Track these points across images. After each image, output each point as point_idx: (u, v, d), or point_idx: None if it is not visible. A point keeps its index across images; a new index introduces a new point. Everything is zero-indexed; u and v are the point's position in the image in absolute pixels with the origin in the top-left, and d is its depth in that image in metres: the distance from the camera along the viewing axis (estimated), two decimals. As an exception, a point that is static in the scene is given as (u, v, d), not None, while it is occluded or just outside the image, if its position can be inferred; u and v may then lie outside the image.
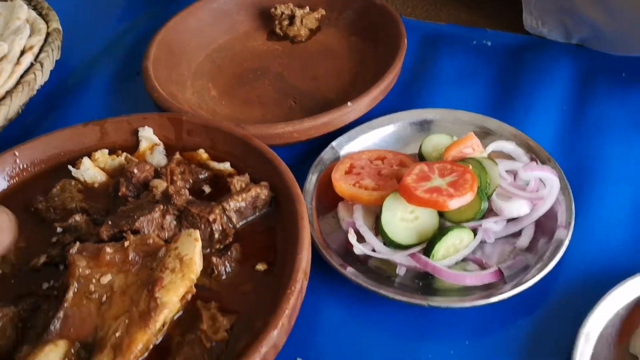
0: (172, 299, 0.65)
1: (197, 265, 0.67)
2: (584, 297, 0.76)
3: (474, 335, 0.77)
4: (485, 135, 0.94)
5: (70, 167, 0.86)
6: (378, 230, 0.83)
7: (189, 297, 0.70)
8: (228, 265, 0.75)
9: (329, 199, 0.89)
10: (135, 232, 0.73)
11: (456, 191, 0.80)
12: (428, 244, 0.80)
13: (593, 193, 0.91)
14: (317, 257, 0.80)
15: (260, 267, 0.75)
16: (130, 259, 0.68)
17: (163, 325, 0.68)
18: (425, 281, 0.80)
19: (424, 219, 0.82)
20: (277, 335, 0.65)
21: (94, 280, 0.67)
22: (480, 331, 0.77)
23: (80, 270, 0.67)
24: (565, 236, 0.81)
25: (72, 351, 0.65)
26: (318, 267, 0.82)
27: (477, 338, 0.76)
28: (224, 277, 0.74)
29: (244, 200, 0.79)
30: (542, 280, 0.77)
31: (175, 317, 0.70)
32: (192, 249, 0.67)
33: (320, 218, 0.87)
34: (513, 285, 0.76)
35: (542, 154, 0.90)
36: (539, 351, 0.75)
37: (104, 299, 0.67)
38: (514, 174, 0.88)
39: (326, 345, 0.77)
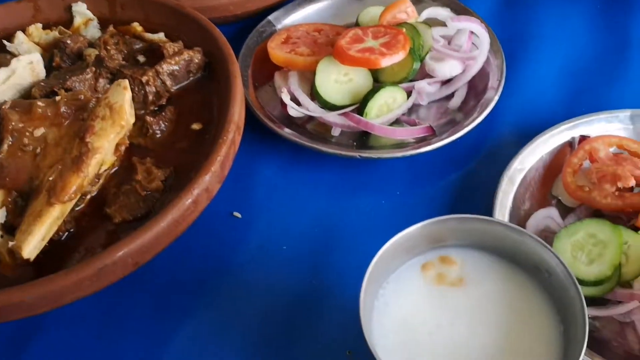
0: (103, 144, 0.66)
1: (128, 113, 0.68)
2: (510, 146, 0.79)
3: (405, 186, 0.80)
4: (420, 1, 0.94)
5: (4, 41, 0.85)
6: (314, 95, 0.84)
7: (123, 149, 0.72)
8: (162, 124, 0.76)
9: (265, 72, 0.90)
10: (68, 90, 0.74)
11: (388, 50, 0.82)
12: (361, 103, 0.82)
13: (525, 57, 0.93)
14: (254, 123, 0.82)
15: (196, 126, 0.77)
16: (62, 112, 0.69)
17: (98, 178, 0.70)
18: (360, 141, 0.83)
19: (358, 81, 0.83)
20: (209, 179, 0.67)
21: (27, 134, 0.68)
22: (410, 182, 0.80)
23: (13, 124, 0.68)
24: (494, 95, 0.83)
25: (10, 199, 0.66)
26: (255, 132, 0.83)
27: (408, 188, 0.79)
28: (158, 135, 0.76)
29: (177, 63, 0.79)
30: (471, 133, 0.80)
31: (111, 172, 0.72)
32: (122, 97, 0.67)
33: (258, 89, 0.88)
34: (442, 138, 0.79)
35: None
36: (467, 196, 0.78)
37: (38, 150, 0.68)
38: (448, 40, 0.89)
39: (263, 200, 0.79)
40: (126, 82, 0.69)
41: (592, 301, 0.66)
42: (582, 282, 0.64)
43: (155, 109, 0.78)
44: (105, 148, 0.66)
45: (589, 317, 0.64)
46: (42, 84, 0.75)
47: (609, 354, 0.62)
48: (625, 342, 0.64)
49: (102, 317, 0.70)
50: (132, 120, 0.71)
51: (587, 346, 0.61)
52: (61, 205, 0.64)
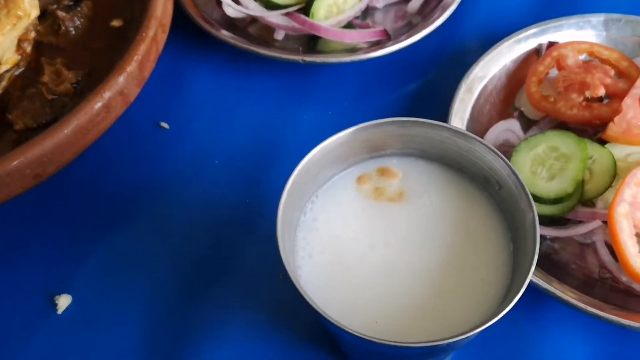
0: (-4, 37, 0.57)
1: (27, 2, 0.58)
2: (472, 54, 0.71)
3: (354, 95, 0.72)
4: None
5: None
6: (256, -6, 0.75)
7: (28, 48, 0.62)
8: (77, 20, 0.67)
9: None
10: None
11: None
12: (307, 2, 0.73)
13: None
14: (188, 24, 0.73)
15: (116, 23, 0.68)
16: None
17: (-1, 80, 0.61)
18: (307, 46, 0.74)
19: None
20: (123, 81, 0.58)
21: None
22: (361, 91, 0.72)
23: None
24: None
25: None
26: (189, 35, 0.74)
27: (357, 98, 0.72)
28: (72, 33, 0.66)
29: (95, -51, 0.69)
30: (430, 38, 0.71)
31: (16, 73, 0.63)
32: (19, -16, 0.58)
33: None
34: (397, 42, 0.71)
35: None
36: (423, 107, 0.71)
37: None
38: None
39: (194, 110, 0.71)
40: (26, -32, 0.60)
41: (551, 221, 0.60)
42: (541, 200, 0.58)
43: (70, 3, 0.69)
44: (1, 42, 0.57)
45: (547, 238, 0.59)
46: None
47: (567, 278, 0.56)
48: (585, 265, 0.58)
49: (5, 240, 0.62)
50: (35, 12, 0.61)
51: (544, 269, 0.56)
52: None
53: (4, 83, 0.62)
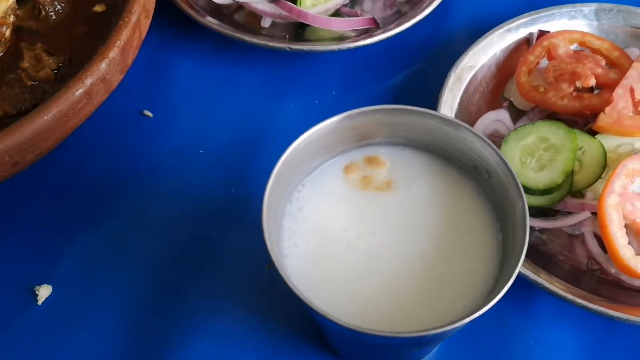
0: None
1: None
2: (462, 43, 0.70)
3: (342, 85, 0.71)
4: None
5: None
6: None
7: (7, 32, 0.61)
8: (58, 5, 0.65)
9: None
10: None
11: None
12: (294, -11, 0.72)
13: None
14: (172, 11, 0.71)
15: (98, 8, 0.66)
16: None
17: (-23, 67, 0.59)
18: (294, 34, 0.73)
19: (292, -37, 0.72)
20: (105, 68, 0.57)
21: None
22: (349, 80, 0.71)
23: None
24: (447, -15, 0.74)
25: None
26: (173, 22, 0.73)
27: (345, 87, 0.71)
28: (53, 18, 0.65)
29: None
30: (419, 26, 0.70)
31: (-7, 60, 0.61)
32: (-5, -35, 0.56)
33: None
34: (386, 30, 0.69)
35: None
36: (411, 97, 0.70)
37: None
38: None
39: (178, 98, 0.69)
40: (1, -53, 0.58)
41: (540, 212, 0.59)
42: (530, 191, 0.58)
43: (51, -13, 0.67)
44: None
45: (535, 230, 0.58)
46: None
47: (555, 269, 0.56)
48: (573, 257, 0.58)
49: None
50: (13, -6, 0.59)
51: (532, 261, 0.55)
52: None
53: (-18, 69, 0.60)
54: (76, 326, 0.55)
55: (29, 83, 0.59)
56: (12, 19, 0.62)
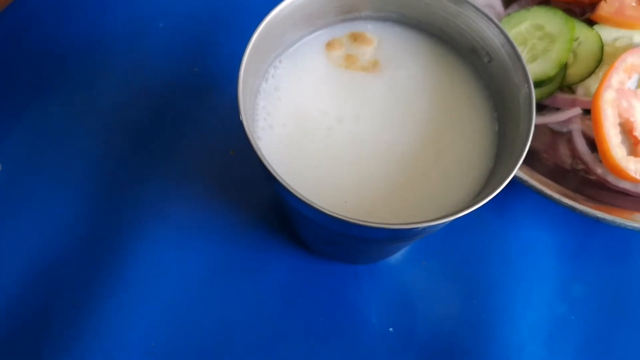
0: None
1: None
2: None
3: None
4: None
5: None
6: None
7: None
8: None
9: None
10: None
11: None
12: None
13: None
14: None
15: None
16: None
17: None
18: None
19: None
20: None
21: None
22: None
23: None
24: None
25: None
26: None
27: None
28: None
29: None
30: None
31: None
32: None
33: None
34: None
35: None
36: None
37: None
38: None
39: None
40: None
41: (527, 107, 0.55)
42: (520, 83, 0.54)
43: None
44: None
45: (520, 124, 0.55)
46: None
47: (537, 165, 0.53)
48: (557, 154, 0.55)
49: None
50: None
51: (514, 156, 0.52)
52: None
53: None
54: (26, 204, 0.50)
55: None
56: None
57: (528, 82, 0.36)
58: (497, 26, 0.39)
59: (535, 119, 0.51)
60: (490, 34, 0.39)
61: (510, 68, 0.38)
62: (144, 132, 0.54)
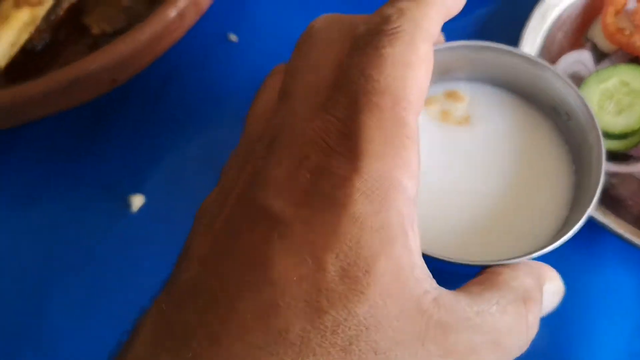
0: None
1: None
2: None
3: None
4: None
5: None
6: None
7: (105, -47, 0.64)
8: None
9: None
10: None
11: None
12: None
13: None
14: None
15: None
16: None
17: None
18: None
19: None
20: (197, -10, 0.59)
21: None
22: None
23: None
24: None
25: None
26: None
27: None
28: (147, -61, 0.67)
29: None
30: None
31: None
32: None
33: None
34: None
35: None
36: (493, 34, 0.69)
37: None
38: None
39: (264, 21, 0.71)
40: None
41: (613, 157, 0.59)
42: (607, 135, 0.58)
43: None
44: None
45: (607, 173, 0.59)
46: None
47: (622, 212, 0.57)
48: (643, 202, 0.58)
49: (74, 141, 0.65)
50: None
51: (601, 203, 0.56)
52: (30, 8, 0.57)
53: (83, -14, 0.63)
54: (166, 233, 0.60)
55: (125, 4, 0.62)
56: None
57: (600, 142, 0.42)
58: (574, 89, 0.44)
59: (611, 170, 0.56)
60: (567, 95, 0.45)
61: (585, 128, 0.43)
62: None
